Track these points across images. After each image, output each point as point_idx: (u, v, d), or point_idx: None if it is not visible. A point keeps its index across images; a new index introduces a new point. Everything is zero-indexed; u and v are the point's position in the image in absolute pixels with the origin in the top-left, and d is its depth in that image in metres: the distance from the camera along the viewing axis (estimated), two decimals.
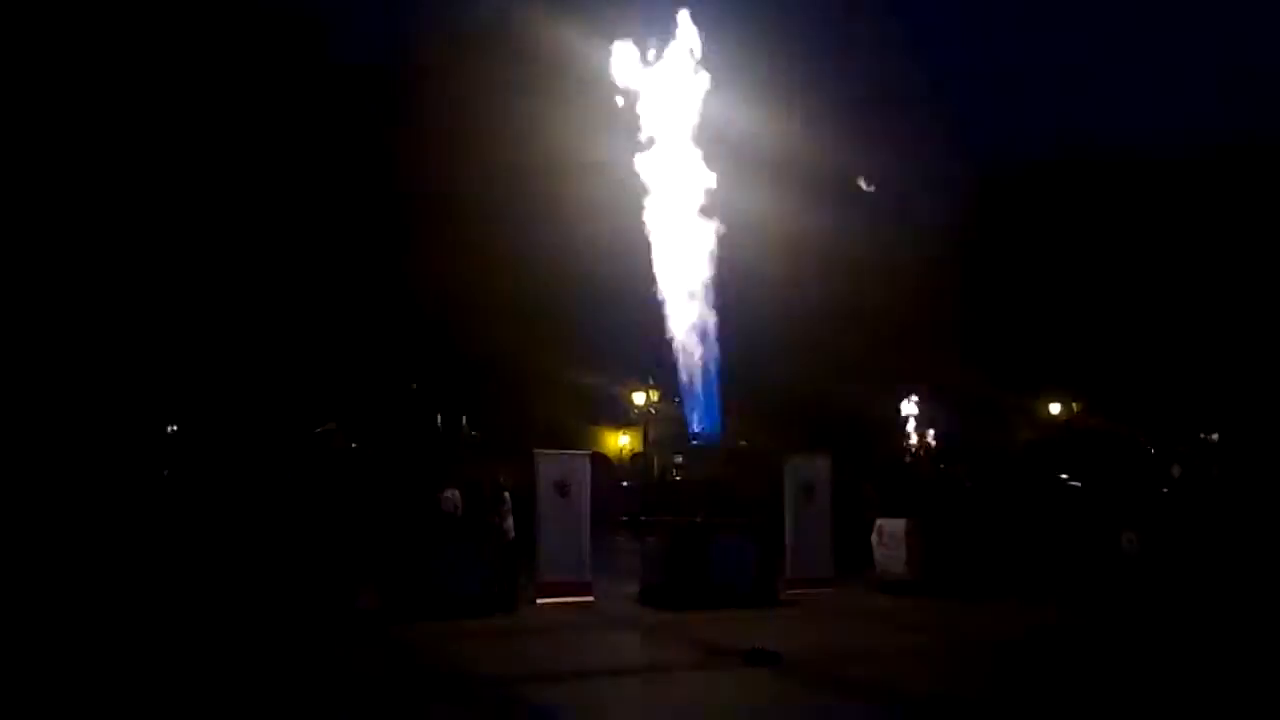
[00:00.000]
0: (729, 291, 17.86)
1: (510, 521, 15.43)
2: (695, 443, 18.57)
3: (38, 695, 9.16)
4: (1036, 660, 11.59)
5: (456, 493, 16.23)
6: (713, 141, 17.26)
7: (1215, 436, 41.22)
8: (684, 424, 19.71)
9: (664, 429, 43.12)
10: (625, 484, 37.66)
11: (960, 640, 12.73)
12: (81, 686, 9.63)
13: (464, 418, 38.40)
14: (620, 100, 17.12)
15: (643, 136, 17.10)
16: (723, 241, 17.25)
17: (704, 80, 17.15)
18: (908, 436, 42.63)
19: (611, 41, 17.28)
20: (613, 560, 21.48)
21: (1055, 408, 37.24)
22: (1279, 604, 13.82)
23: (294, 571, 13.46)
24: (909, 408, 36.37)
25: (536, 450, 18.13)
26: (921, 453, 43.60)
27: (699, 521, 16.08)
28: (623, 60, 17.20)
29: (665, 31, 17.13)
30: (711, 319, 17.51)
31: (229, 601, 13.39)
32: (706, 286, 17.39)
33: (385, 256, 29.35)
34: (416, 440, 37.73)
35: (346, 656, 11.35)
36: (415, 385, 36.05)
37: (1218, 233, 34.33)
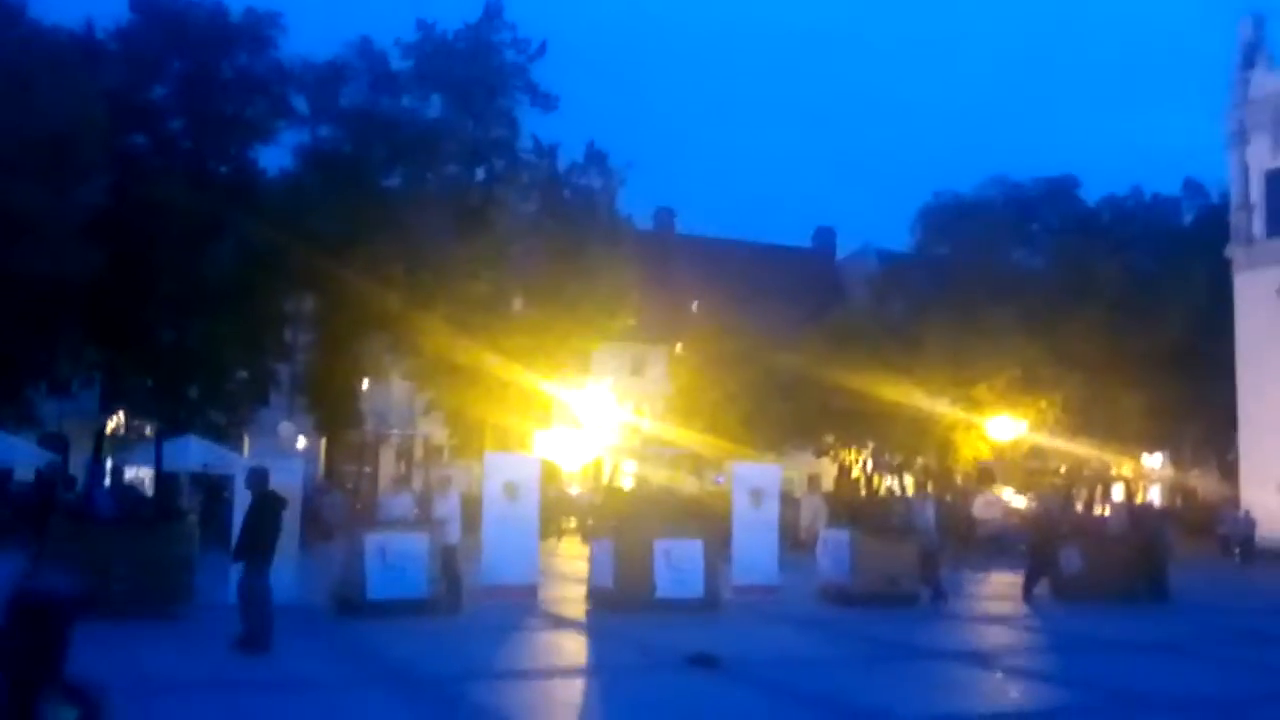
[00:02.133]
0: None
1: (457, 524, 15.41)
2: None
3: None
4: (971, 669, 11.89)
5: (408, 495, 16.21)
6: None
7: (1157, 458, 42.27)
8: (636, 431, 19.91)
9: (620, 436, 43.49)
10: (575, 490, 37.79)
11: (885, 648, 12.95)
12: None
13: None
14: None
15: None
16: None
17: None
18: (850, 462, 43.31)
19: None
20: (560, 565, 21.56)
21: (1005, 430, 37.87)
22: None
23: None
24: None
25: (486, 453, 18.27)
26: (863, 471, 44.32)
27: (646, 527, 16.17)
28: None
29: None
30: None
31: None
32: None
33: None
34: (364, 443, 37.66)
35: (296, 647, 11.32)
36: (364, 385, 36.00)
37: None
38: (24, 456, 29.54)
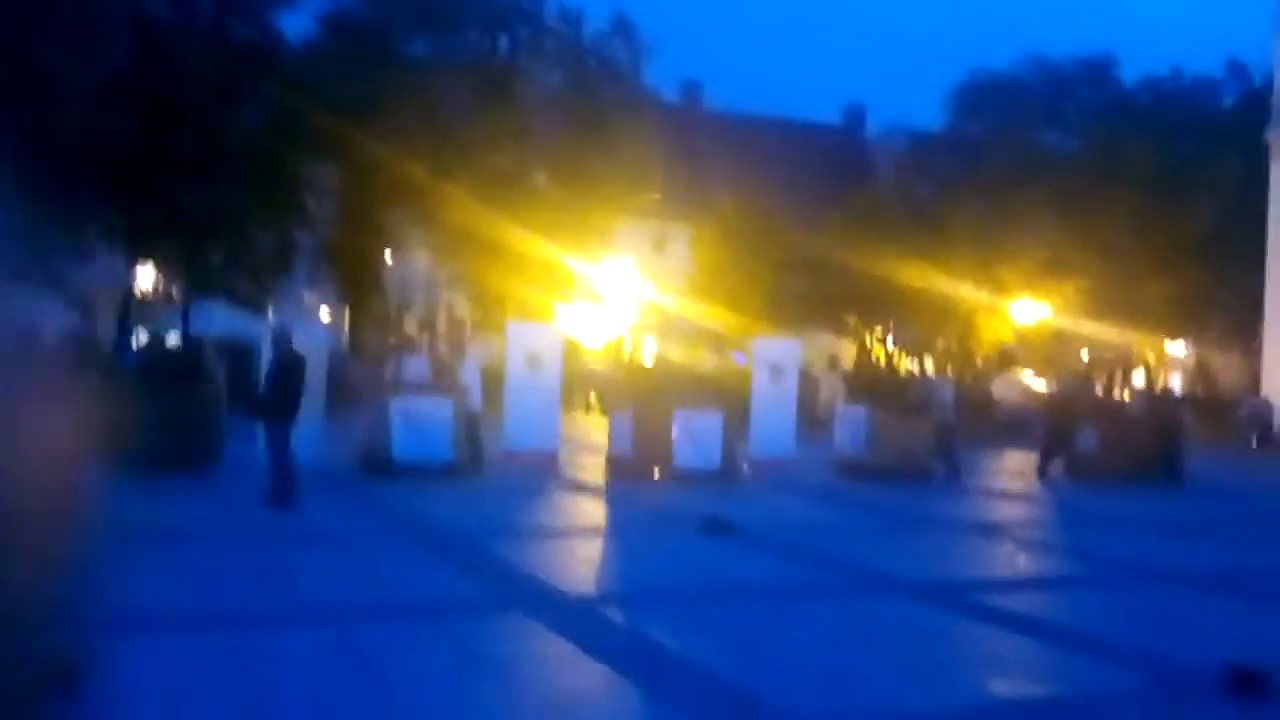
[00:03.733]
0: None
1: (477, 392, 15.64)
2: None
3: None
4: (982, 539, 12.12)
5: (424, 360, 16.39)
6: None
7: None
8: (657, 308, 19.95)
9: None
10: (595, 366, 38.08)
11: (898, 518, 13.19)
12: None
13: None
14: None
15: None
16: None
17: None
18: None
19: None
20: (580, 436, 21.91)
21: (1028, 314, 37.72)
22: None
23: None
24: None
25: (509, 322, 18.40)
26: (883, 352, 44.40)
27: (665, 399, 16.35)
28: None
29: None
30: None
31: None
32: None
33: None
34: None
35: (323, 504, 11.64)
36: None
37: None
38: (51, 319, 29.98)
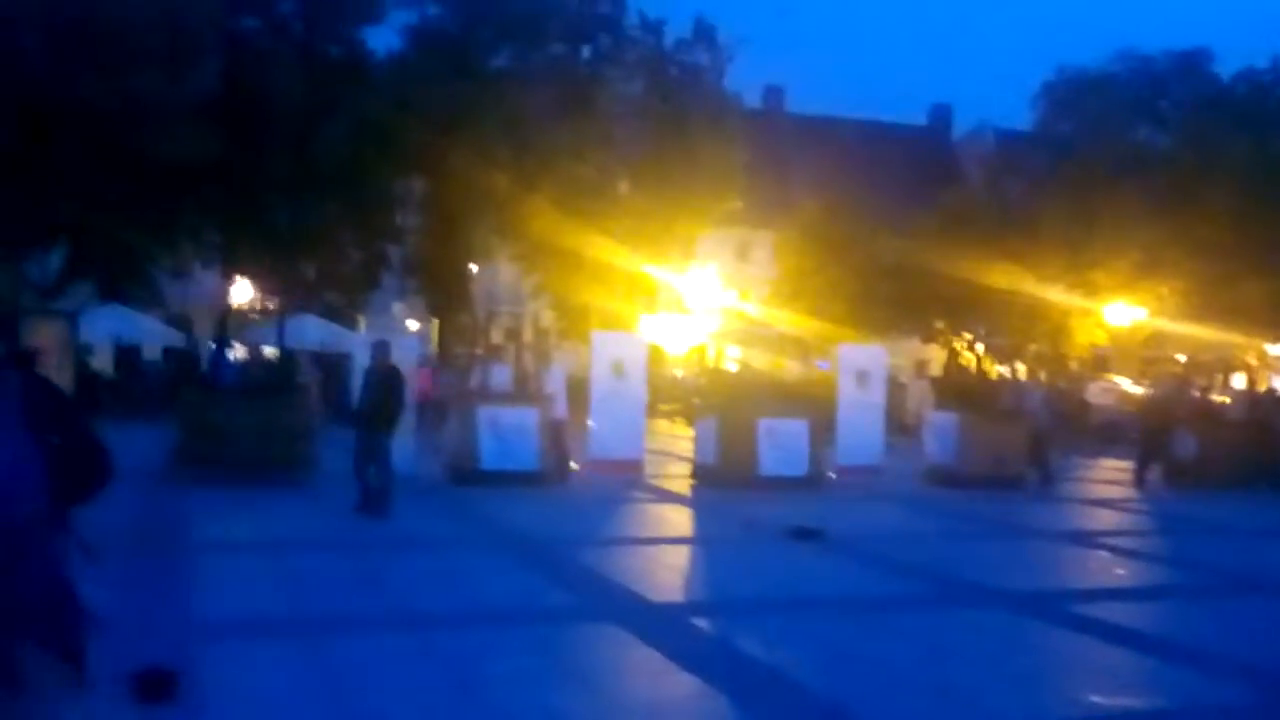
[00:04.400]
0: None
1: (563, 400, 15.74)
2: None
3: None
4: (1075, 547, 11.84)
5: (508, 368, 16.56)
6: None
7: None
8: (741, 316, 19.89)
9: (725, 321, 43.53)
10: (679, 373, 38.11)
11: (990, 526, 12.94)
12: None
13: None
14: None
15: None
16: None
17: None
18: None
19: None
20: (664, 445, 21.91)
21: (1122, 316, 36.75)
22: None
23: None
24: None
25: (594, 332, 18.52)
26: (974, 356, 43.66)
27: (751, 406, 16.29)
28: None
29: None
30: None
31: None
32: None
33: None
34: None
35: (413, 512, 11.82)
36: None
37: None
38: (152, 336, 30.96)
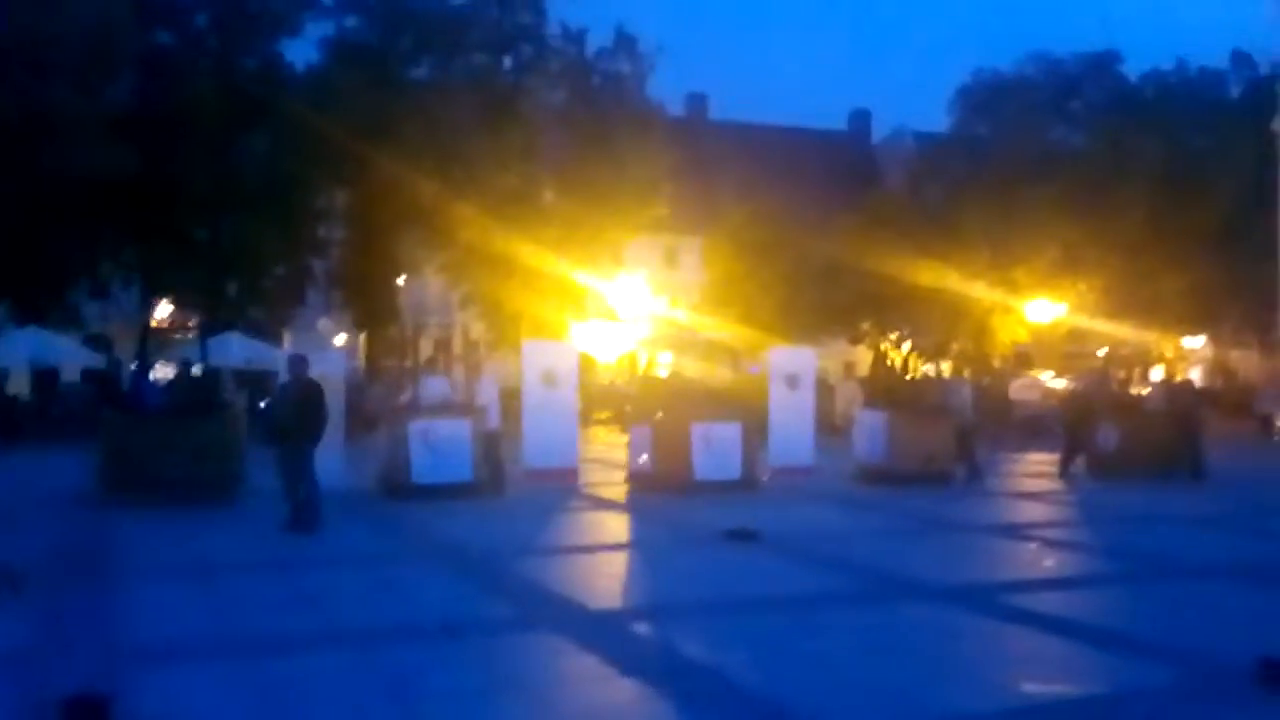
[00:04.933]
0: None
1: (496, 411, 15.65)
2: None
3: None
4: (1006, 540, 12.08)
5: (445, 380, 16.40)
6: None
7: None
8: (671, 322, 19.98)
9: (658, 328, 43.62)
10: (612, 381, 38.11)
11: (921, 522, 13.14)
12: None
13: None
14: None
15: None
16: None
17: None
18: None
19: None
20: (599, 453, 21.90)
21: (1043, 313, 37.57)
22: None
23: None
24: None
25: (524, 341, 18.47)
26: (899, 357, 44.31)
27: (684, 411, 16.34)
28: None
29: None
30: None
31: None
32: None
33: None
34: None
35: (345, 528, 11.67)
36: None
37: None
38: (70, 357, 30.16)
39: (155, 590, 8.65)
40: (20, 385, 29.80)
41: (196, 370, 16.29)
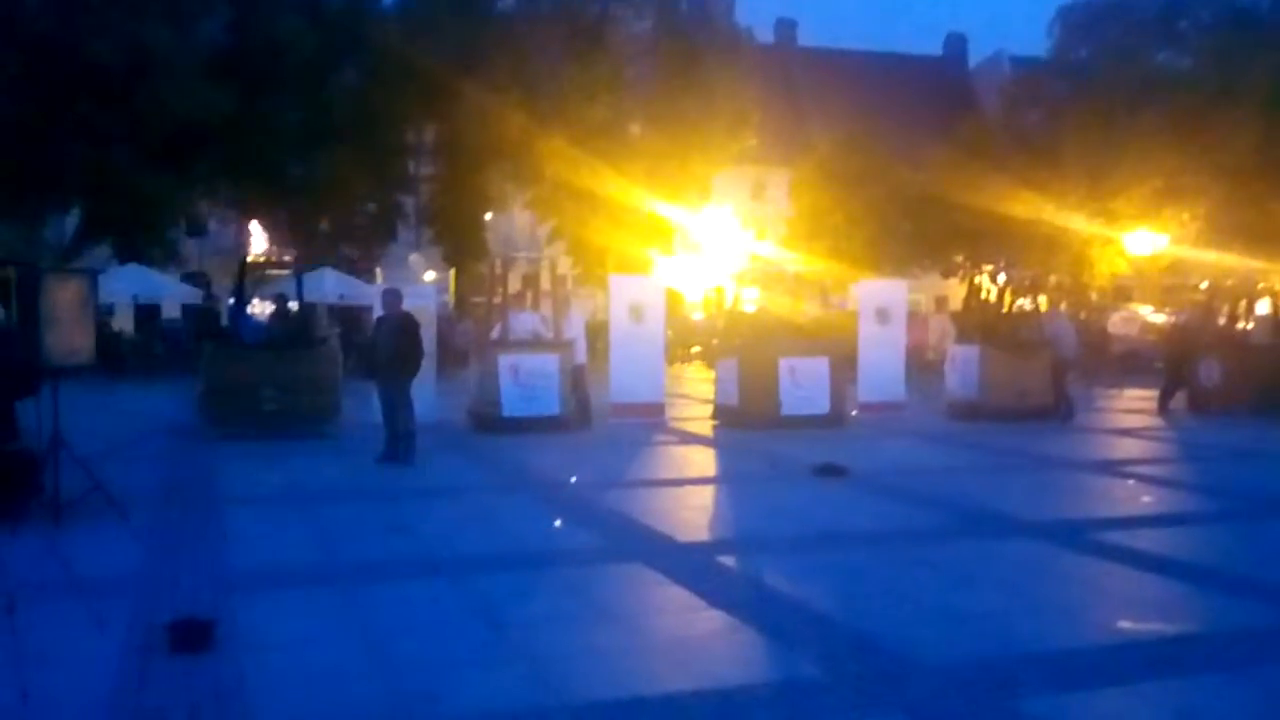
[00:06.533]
0: None
1: (583, 345, 15.75)
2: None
3: None
4: (1101, 476, 11.84)
5: (537, 316, 16.50)
6: None
7: None
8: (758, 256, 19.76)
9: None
10: (698, 316, 38.03)
11: (1014, 458, 12.92)
12: None
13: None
14: None
15: None
16: None
17: None
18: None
19: None
20: (685, 388, 21.94)
21: (1143, 245, 36.35)
22: None
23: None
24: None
25: (611, 275, 18.47)
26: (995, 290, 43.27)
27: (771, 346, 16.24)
28: None
29: None
30: None
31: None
32: None
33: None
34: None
35: (438, 460, 11.90)
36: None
37: None
38: (170, 294, 31.09)
39: (256, 519, 8.93)
40: (124, 321, 30.85)
41: (293, 306, 16.59)
